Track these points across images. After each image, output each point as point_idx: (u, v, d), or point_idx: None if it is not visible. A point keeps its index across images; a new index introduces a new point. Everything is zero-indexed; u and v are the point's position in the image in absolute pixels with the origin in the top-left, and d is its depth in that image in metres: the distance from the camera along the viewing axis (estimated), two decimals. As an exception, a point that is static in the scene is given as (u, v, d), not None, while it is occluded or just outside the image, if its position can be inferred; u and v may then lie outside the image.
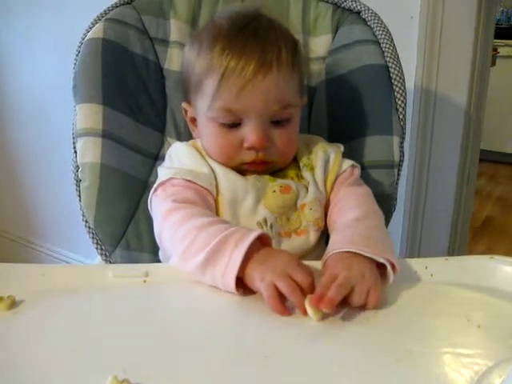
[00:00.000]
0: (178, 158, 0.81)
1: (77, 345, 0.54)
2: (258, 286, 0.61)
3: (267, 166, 0.78)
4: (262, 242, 0.65)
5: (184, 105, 0.85)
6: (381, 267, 0.64)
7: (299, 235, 0.77)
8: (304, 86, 0.86)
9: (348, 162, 0.83)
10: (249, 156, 0.77)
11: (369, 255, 0.64)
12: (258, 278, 0.60)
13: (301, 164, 0.82)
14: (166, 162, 0.83)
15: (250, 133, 0.74)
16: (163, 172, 0.79)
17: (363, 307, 0.60)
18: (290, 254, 0.64)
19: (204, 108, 0.77)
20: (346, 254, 0.65)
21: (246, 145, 0.75)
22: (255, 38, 0.73)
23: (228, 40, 0.73)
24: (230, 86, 0.72)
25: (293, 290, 0.58)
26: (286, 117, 0.77)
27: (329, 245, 0.69)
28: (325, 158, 0.81)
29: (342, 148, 0.84)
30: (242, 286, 0.62)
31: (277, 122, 0.76)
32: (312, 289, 0.59)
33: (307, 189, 0.79)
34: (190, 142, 0.85)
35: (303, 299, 0.58)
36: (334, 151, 0.83)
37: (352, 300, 0.60)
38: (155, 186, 0.78)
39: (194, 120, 0.84)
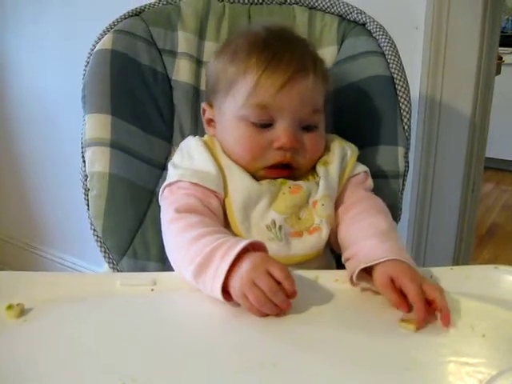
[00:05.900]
0: (189, 153, 0.81)
1: (85, 352, 0.55)
2: (236, 299, 0.62)
3: (289, 172, 0.79)
4: (256, 250, 0.64)
5: (204, 105, 0.86)
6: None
7: (311, 233, 0.77)
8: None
9: (362, 167, 0.84)
10: (275, 157, 0.77)
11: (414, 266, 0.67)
12: (232, 290, 0.61)
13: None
14: (177, 157, 0.82)
15: (281, 132, 0.76)
16: (171, 171, 0.80)
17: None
18: (260, 255, 0.63)
19: (235, 107, 0.78)
20: (397, 263, 0.66)
21: (276, 144, 0.76)
22: (292, 48, 0.78)
23: (267, 46, 0.77)
24: (268, 83, 0.75)
25: (263, 304, 0.59)
26: (315, 123, 0.79)
27: (366, 249, 0.70)
28: (341, 155, 0.82)
29: (357, 150, 0.85)
30: None
31: (306, 128, 0.78)
32: (289, 284, 0.60)
33: (318, 185, 0.79)
34: (206, 137, 0.84)
35: (274, 306, 0.60)
36: (351, 149, 0.84)
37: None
38: (163, 186, 0.79)
39: (210, 121, 0.85)
